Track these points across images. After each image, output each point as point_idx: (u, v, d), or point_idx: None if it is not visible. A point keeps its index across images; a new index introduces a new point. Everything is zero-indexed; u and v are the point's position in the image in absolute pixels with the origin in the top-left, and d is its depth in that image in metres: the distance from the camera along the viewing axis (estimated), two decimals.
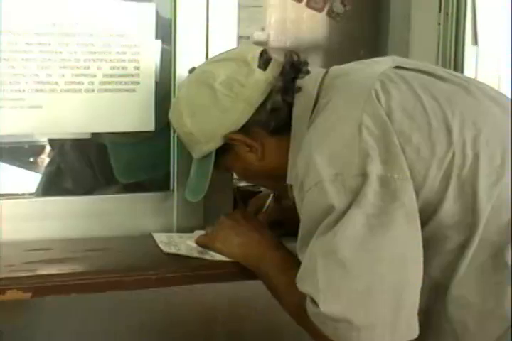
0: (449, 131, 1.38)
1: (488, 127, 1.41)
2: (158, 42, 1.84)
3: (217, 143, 1.58)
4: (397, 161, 1.33)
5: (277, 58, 1.59)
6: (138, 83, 1.80)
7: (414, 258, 1.33)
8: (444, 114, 1.40)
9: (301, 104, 1.52)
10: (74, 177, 2.08)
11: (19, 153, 2.12)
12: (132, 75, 1.79)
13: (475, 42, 2.15)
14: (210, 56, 1.80)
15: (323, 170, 1.34)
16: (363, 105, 1.38)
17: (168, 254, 1.66)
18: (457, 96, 1.46)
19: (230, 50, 1.70)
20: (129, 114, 1.81)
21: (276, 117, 1.53)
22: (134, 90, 1.80)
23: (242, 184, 2.01)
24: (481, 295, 1.38)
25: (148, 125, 1.83)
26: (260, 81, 1.54)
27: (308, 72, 1.57)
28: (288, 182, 1.53)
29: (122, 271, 1.59)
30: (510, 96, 1.61)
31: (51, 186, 2.08)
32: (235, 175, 1.93)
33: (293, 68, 1.56)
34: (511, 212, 1.37)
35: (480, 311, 1.38)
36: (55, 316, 1.91)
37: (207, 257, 1.64)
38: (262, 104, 1.54)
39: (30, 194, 2.03)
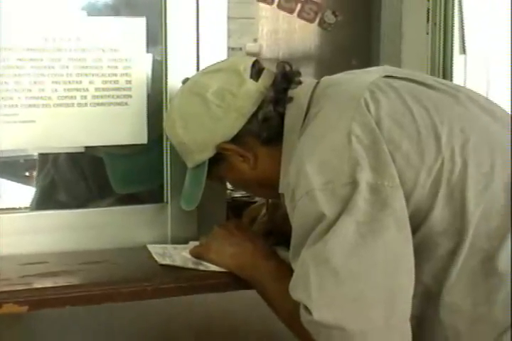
0: (437, 139, 1.39)
1: (476, 135, 1.42)
2: (149, 55, 1.86)
3: (209, 152, 1.59)
4: (387, 169, 1.34)
5: (269, 69, 1.60)
6: (130, 96, 1.82)
7: (406, 264, 1.33)
8: (433, 121, 1.40)
9: (292, 114, 1.53)
10: (68, 190, 2.09)
11: (15, 167, 2.12)
12: (124, 89, 1.81)
13: (463, 50, 2.18)
14: (201, 68, 1.80)
15: (314, 178, 1.35)
16: (352, 114, 1.39)
17: (163, 265, 1.67)
18: (446, 104, 1.47)
19: (222, 61, 1.71)
20: (122, 127, 1.83)
21: (268, 127, 1.54)
22: (126, 103, 1.82)
23: (237, 195, 2.04)
24: (473, 300, 1.38)
25: (141, 138, 1.84)
26: (252, 91, 1.55)
27: (300, 83, 1.57)
28: (280, 191, 1.53)
29: (117, 282, 1.59)
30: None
31: (45, 200, 2.09)
32: (229, 186, 1.93)
33: (285, 78, 1.57)
34: (500, 218, 1.38)
35: (471, 316, 1.39)
36: (52, 328, 1.93)
37: (201, 268, 1.65)
38: (254, 114, 1.55)
39: (26, 208, 2.03)
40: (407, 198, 1.35)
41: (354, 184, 1.32)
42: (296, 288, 1.35)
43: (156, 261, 1.69)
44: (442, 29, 2.17)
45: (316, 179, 1.34)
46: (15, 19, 1.72)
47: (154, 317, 1.98)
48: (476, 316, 1.38)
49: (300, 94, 1.54)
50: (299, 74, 1.59)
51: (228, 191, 1.99)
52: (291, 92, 1.55)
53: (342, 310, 1.30)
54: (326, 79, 1.59)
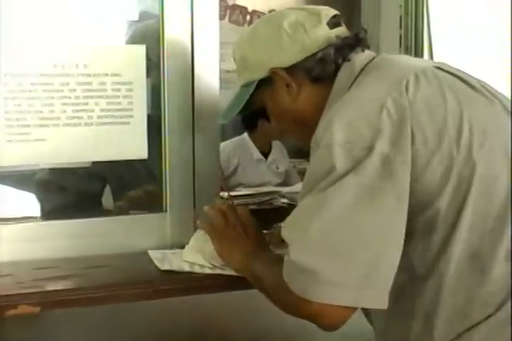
0: (459, 133, 1.37)
1: (495, 139, 1.40)
2: (149, 79, 1.85)
3: (262, 73, 1.57)
4: (404, 145, 1.32)
5: (346, 29, 1.59)
6: (131, 116, 1.82)
7: (396, 235, 1.31)
8: (461, 116, 1.38)
9: (344, 74, 1.52)
10: (77, 201, 2.06)
11: (29, 180, 2.11)
12: (126, 110, 1.82)
13: None
14: (195, 90, 1.83)
15: (338, 135, 1.33)
16: (391, 90, 1.38)
17: (162, 269, 1.66)
18: (479, 104, 1.45)
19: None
20: (124, 144, 1.83)
21: (322, 67, 1.52)
22: (128, 123, 1.82)
23: (235, 201, 1.99)
24: (453, 293, 1.36)
25: (142, 154, 1.85)
26: (322, 35, 1.54)
27: (363, 51, 1.55)
28: (311, 144, 1.46)
29: (121, 285, 1.60)
30: None
31: (55, 209, 2.04)
32: (224, 194, 1.94)
33: (356, 39, 1.56)
34: (496, 222, 1.35)
35: (449, 307, 1.36)
36: (58, 329, 1.90)
37: (197, 271, 1.64)
38: (315, 54, 1.53)
39: (39, 217, 1.99)
40: (417, 177, 1.33)
41: (370, 149, 1.31)
42: (288, 226, 1.36)
43: (156, 265, 1.68)
44: (413, 53, 2.18)
45: (340, 136, 1.33)
46: (28, 48, 1.73)
47: (155, 317, 1.96)
48: (453, 307, 1.36)
49: (357, 60, 1.52)
50: (368, 46, 1.58)
51: (224, 199, 1.96)
52: (351, 55, 1.53)
53: (321, 256, 1.28)
54: (384, 55, 1.58)
